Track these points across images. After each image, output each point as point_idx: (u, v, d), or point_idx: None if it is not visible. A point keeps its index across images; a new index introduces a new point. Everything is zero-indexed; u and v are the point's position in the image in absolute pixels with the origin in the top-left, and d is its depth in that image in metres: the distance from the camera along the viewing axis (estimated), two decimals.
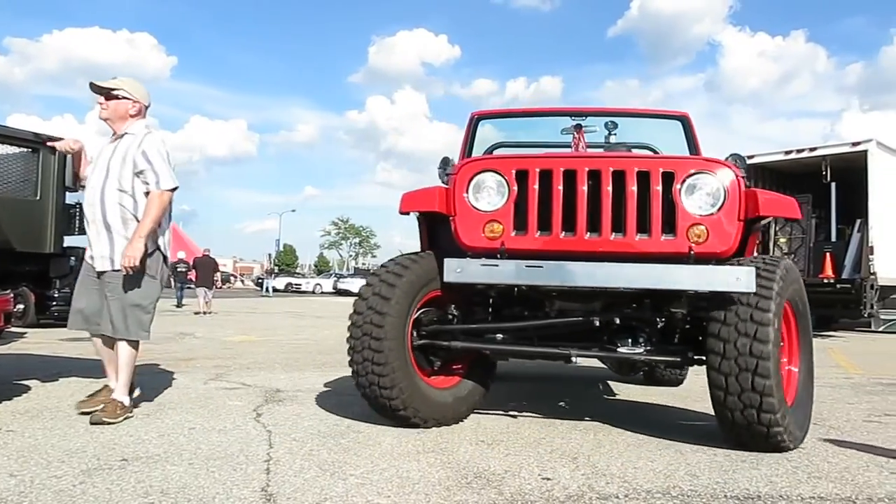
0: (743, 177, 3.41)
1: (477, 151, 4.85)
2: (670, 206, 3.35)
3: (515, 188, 3.46)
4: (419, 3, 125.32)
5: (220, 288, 29.37)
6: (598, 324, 3.48)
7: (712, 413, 3.34)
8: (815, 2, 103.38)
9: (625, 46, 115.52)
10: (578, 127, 4.69)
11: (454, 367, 3.87)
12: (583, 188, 3.39)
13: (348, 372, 5.92)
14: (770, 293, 3.11)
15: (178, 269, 20.23)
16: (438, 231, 3.87)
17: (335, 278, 41.30)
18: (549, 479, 2.74)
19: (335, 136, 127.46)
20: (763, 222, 3.75)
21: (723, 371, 3.10)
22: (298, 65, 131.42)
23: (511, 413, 4.15)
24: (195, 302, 16.82)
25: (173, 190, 3.79)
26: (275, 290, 36.83)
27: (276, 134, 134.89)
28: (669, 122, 4.95)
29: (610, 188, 3.38)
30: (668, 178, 3.37)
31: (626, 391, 5.33)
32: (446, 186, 3.71)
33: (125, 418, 3.61)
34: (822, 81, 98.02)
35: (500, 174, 3.50)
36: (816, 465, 3.07)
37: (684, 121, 4.85)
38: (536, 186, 3.44)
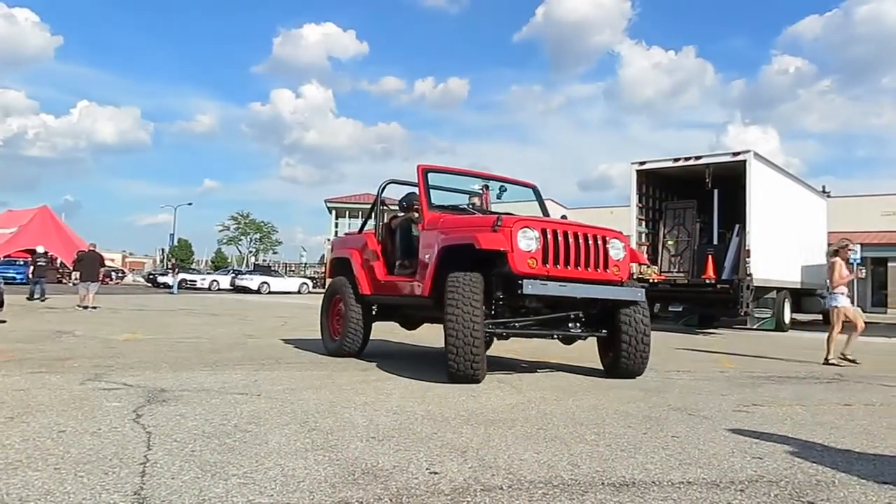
0: (628, 241, 6.24)
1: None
2: (606, 254, 5.86)
3: (542, 239, 5.52)
4: None
5: (106, 283, 27.78)
6: (572, 316, 5.95)
7: (591, 403, 3.49)
8: (704, 20, 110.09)
9: (529, 52, 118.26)
10: (486, 187, 7.30)
11: None
12: (574, 241, 5.69)
13: (240, 371, 5.80)
14: (646, 300, 6.08)
15: (38, 264, 19.06)
16: (450, 261, 5.69)
17: (233, 275, 39.72)
18: (436, 473, 2.76)
19: (237, 129, 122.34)
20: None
21: (631, 336, 5.89)
22: (197, 51, 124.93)
23: (408, 409, 4.17)
24: (53, 297, 15.93)
25: None
26: (167, 286, 35.11)
27: (173, 123, 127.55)
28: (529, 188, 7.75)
29: (586, 240, 5.77)
30: (604, 240, 5.88)
31: (519, 385, 5.46)
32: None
33: None
34: (709, 95, 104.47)
35: (535, 230, 5.52)
36: (688, 452, 3.27)
37: (535, 189, 7.67)
38: (551, 235, 5.59)
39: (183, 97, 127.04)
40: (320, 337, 7.66)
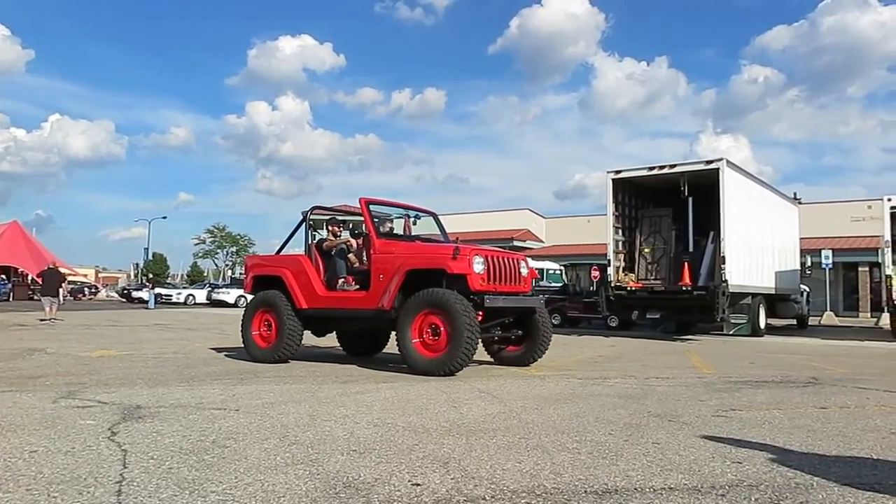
0: (528, 261, 7.91)
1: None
2: (519, 273, 7.48)
3: (486, 263, 6.93)
4: (302, 10, 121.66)
5: (80, 299, 27.54)
6: (506, 321, 7.62)
7: (572, 411, 3.49)
8: (675, 31, 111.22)
9: (504, 63, 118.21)
10: (408, 216, 8.54)
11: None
12: (501, 263, 7.17)
13: (217, 385, 5.73)
14: (544, 306, 7.95)
15: None
16: (416, 280, 7.00)
17: (209, 288, 39.18)
18: (418, 484, 2.74)
19: (212, 141, 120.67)
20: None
21: (542, 333, 7.61)
22: (171, 64, 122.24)
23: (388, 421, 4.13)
24: (23, 314, 16.09)
25: None
26: (141, 301, 34.58)
27: (148, 136, 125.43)
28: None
29: (508, 263, 7.30)
30: (517, 261, 7.51)
31: (500, 394, 5.46)
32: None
33: None
34: (681, 105, 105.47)
35: (482, 257, 6.94)
36: (669, 458, 3.29)
37: (434, 216, 8.97)
38: (490, 260, 7.02)
39: (157, 110, 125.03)
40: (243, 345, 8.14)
